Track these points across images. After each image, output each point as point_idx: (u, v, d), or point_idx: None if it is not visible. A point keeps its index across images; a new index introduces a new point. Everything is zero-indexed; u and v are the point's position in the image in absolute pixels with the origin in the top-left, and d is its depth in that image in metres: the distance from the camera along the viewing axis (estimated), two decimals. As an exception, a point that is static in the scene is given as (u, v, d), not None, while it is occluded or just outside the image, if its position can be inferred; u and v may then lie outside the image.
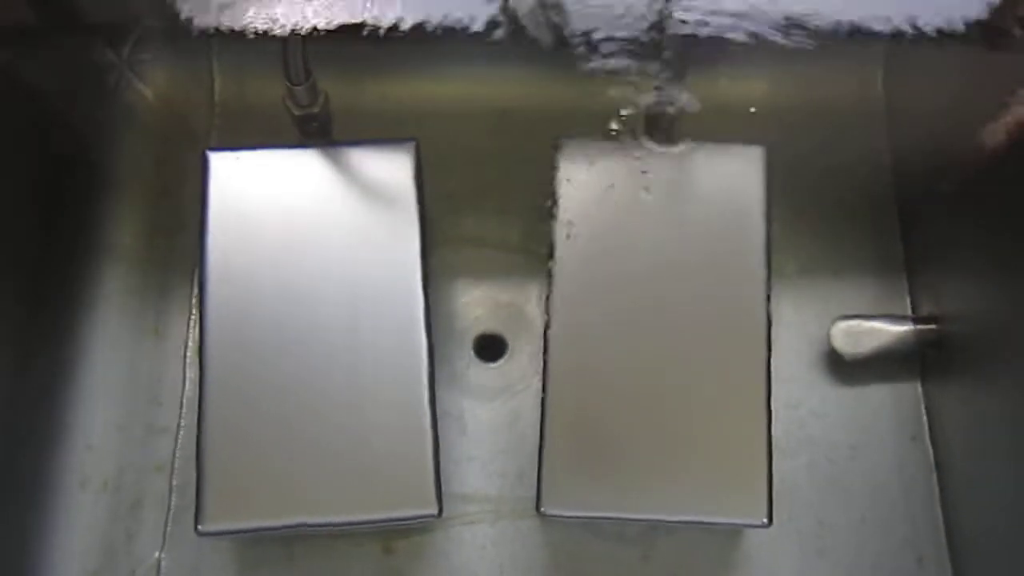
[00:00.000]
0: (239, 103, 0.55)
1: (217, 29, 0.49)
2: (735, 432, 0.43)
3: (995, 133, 0.45)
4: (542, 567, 0.48)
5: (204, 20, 0.50)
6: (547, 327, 0.44)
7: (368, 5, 0.47)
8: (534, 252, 0.53)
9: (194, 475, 0.42)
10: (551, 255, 0.45)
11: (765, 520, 0.43)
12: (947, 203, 0.50)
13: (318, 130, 0.47)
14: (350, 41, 0.48)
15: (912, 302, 0.52)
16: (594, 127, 0.47)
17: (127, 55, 0.54)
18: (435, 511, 0.41)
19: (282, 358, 0.42)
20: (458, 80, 0.56)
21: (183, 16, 0.49)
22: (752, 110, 0.56)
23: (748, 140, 0.47)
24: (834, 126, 0.56)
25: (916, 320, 0.50)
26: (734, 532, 0.49)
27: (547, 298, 0.45)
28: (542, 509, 0.43)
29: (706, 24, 0.47)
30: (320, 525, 0.41)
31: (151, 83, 0.55)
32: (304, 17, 0.47)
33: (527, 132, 0.55)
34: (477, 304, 0.52)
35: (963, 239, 0.49)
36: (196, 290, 0.52)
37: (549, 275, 0.45)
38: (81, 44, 0.54)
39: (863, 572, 0.48)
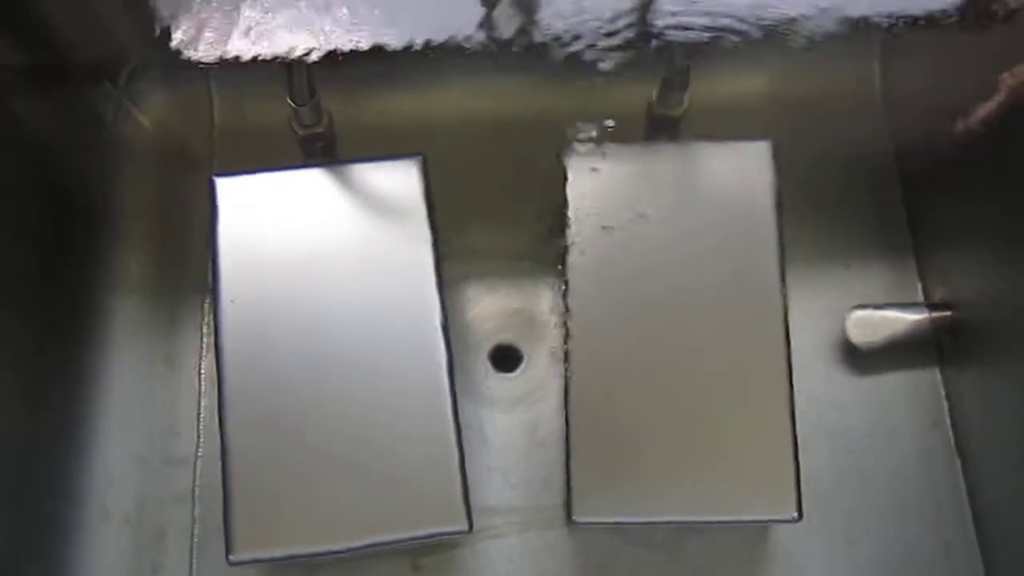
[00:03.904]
0: (239, 126, 0.55)
1: (206, 62, 0.49)
2: (760, 428, 0.43)
3: (989, 107, 0.46)
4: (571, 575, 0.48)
5: (194, 54, 0.50)
6: (566, 335, 0.44)
7: (353, 31, 0.47)
8: (543, 259, 0.53)
9: (217, 504, 0.41)
10: (564, 263, 0.45)
11: (795, 514, 0.43)
12: (953, 187, 0.50)
13: (323, 150, 0.47)
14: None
15: (924, 288, 0.52)
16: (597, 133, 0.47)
17: (123, 85, 0.54)
18: (465, 527, 0.41)
19: (301, 381, 0.42)
20: (456, 92, 0.56)
21: (173, 47, 0.49)
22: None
23: (748, 135, 0.47)
24: (833, 118, 0.56)
25: (930, 307, 0.50)
26: (762, 529, 0.49)
27: (564, 305, 0.45)
28: (574, 518, 0.42)
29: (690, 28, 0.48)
30: (351, 549, 0.40)
31: (148, 112, 0.55)
32: (291, 48, 0.48)
33: (528, 140, 0.55)
34: (490, 315, 0.52)
35: (972, 222, 0.49)
36: (207, 318, 0.52)
37: (564, 283, 0.45)
38: (74, 79, 0.53)
39: (892, 560, 0.48)
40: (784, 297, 0.44)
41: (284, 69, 0.42)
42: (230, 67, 0.49)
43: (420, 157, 0.46)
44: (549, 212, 0.53)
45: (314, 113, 0.44)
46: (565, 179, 0.46)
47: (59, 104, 0.52)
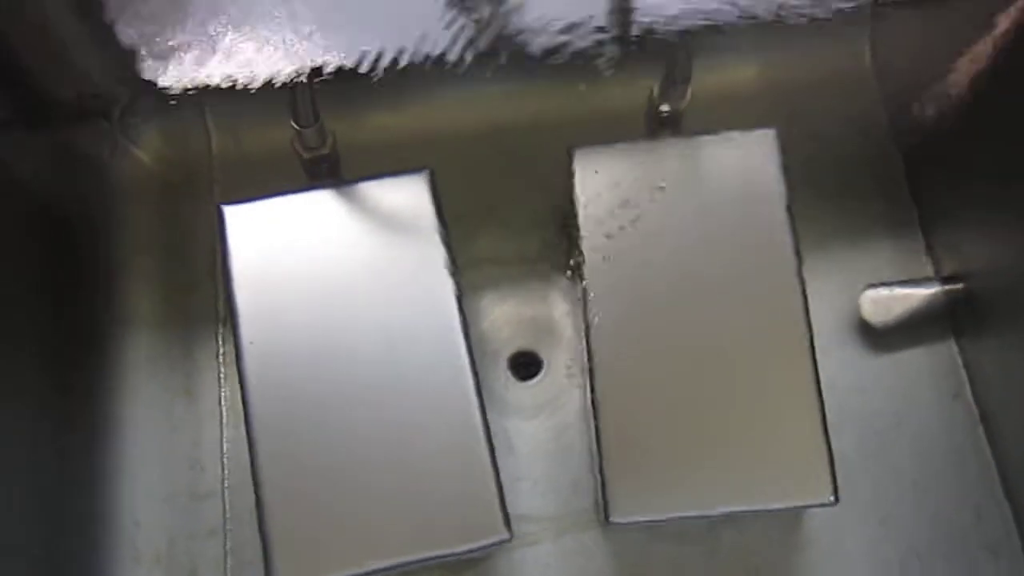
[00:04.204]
0: (237, 154, 0.55)
1: (180, 89, 0.49)
2: (789, 414, 0.43)
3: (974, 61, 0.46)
4: (610, 576, 0.48)
5: (166, 80, 0.49)
6: (587, 336, 0.44)
7: (321, 50, 0.47)
8: (554, 263, 0.53)
9: (248, 536, 0.41)
10: (578, 265, 0.45)
11: (832, 498, 0.43)
12: (955, 158, 0.51)
13: (328, 171, 0.47)
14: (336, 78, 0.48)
15: (934, 262, 0.53)
16: (596, 134, 0.47)
17: (117, 122, 0.54)
18: (507, 536, 0.41)
19: (328, 405, 0.42)
20: (452, 102, 0.56)
21: (145, 76, 0.49)
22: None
23: (746, 124, 0.47)
24: (828, 100, 0.56)
25: (943, 280, 0.51)
26: (794, 514, 0.49)
27: (583, 307, 0.45)
28: (611, 519, 0.42)
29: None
30: (392, 567, 0.40)
31: (145, 147, 0.55)
32: (272, 72, 0.48)
33: (527, 145, 0.55)
34: (506, 323, 0.52)
35: (976, 192, 0.49)
36: (222, 347, 0.51)
37: (581, 285, 0.45)
38: (65, 121, 0.53)
39: (925, 533, 0.48)
40: (802, 283, 0.44)
41: (287, 92, 0.42)
42: (210, 94, 0.49)
43: (427, 171, 0.46)
44: (555, 215, 0.54)
45: (318, 135, 0.44)
46: (572, 181, 0.46)
47: (53, 148, 0.52)
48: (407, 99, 0.55)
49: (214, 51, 0.48)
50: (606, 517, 0.42)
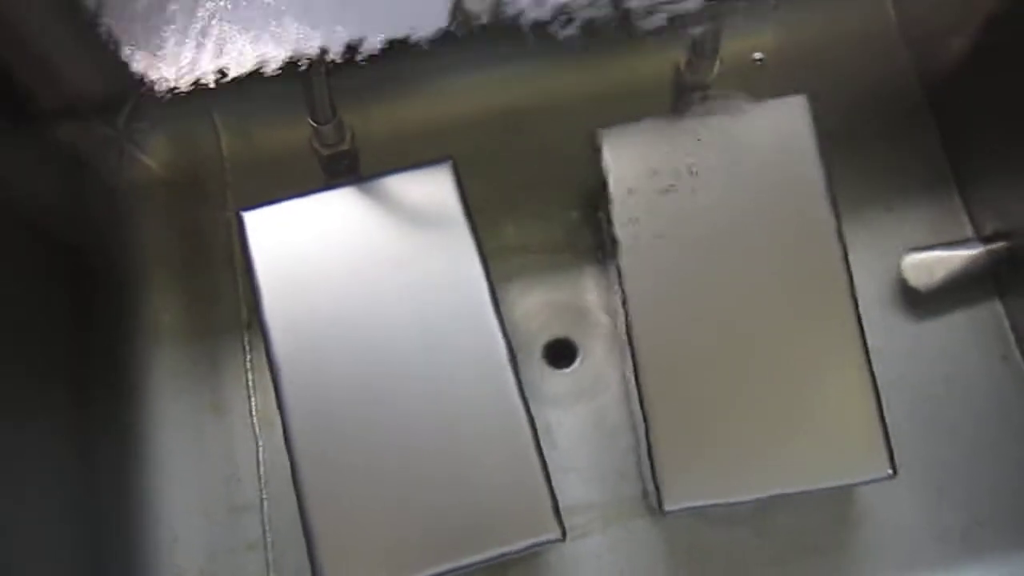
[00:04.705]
0: (249, 156, 0.53)
1: (173, 88, 0.47)
2: (840, 387, 0.42)
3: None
4: (662, 563, 0.47)
5: (160, 81, 0.48)
6: (626, 320, 0.43)
7: (306, 34, 0.45)
8: (581, 248, 0.51)
9: (291, 547, 0.40)
10: (612, 246, 0.44)
11: (889, 472, 0.42)
12: (988, 111, 0.49)
13: (347, 168, 0.45)
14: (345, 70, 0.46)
15: (972, 221, 0.51)
16: (617, 112, 0.45)
17: (123, 128, 0.52)
18: (559, 534, 0.39)
19: (367, 408, 0.41)
20: (463, 88, 0.54)
21: (137, 77, 0.47)
22: (757, 56, 0.55)
23: (772, 91, 0.46)
24: (853, 61, 0.54)
25: (984, 240, 0.49)
26: (847, 490, 0.48)
27: (619, 290, 0.43)
28: (664, 508, 0.41)
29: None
30: (443, 573, 0.39)
31: (153, 153, 0.53)
32: (262, 61, 0.46)
33: (545, 128, 0.53)
34: (538, 311, 0.50)
35: (1013, 145, 0.48)
36: (248, 355, 0.50)
37: (615, 268, 0.43)
38: (67, 134, 0.51)
39: (985, 500, 0.47)
40: (844, 251, 0.43)
41: (301, 88, 0.40)
42: (216, 93, 0.47)
43: (450, 161, 0.44)
44: (580, 198, 0.52)
45: (337, 131, 0.43)
46: (600, 161, 0.45)
47: (57, 163, 0.51)
48: (416, 88, 0.54)
49: (207, 45, 0.47)
50: (659, 506, 0.41)
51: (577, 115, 0.52)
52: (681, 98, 0.47)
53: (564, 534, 0.39)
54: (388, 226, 0.43)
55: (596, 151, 0.45)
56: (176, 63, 0.47)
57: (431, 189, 0.44)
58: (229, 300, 0.50)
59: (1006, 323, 0.50)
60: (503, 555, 0.39)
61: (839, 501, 0.48)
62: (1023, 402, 0.49)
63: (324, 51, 0.45)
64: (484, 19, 0.49)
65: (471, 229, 0.43)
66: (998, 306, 0.50)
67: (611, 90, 0.52)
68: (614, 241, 0.44)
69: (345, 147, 0.43)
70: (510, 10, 0.49)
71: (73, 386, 0.46)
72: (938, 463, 0.48)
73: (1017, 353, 0.49)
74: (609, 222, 0.44)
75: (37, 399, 0.44)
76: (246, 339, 0.50)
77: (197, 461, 0.48)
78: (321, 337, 0.41)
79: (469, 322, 0.42)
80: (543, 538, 0.39)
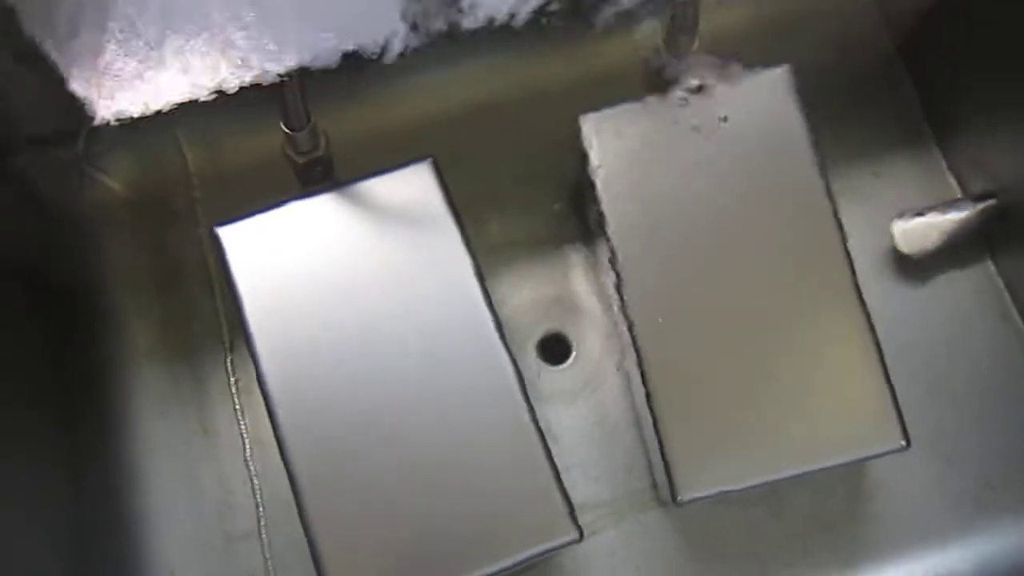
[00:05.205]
0: (216, 169, 0.51)
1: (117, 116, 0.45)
2: (845, 360, 0.41)
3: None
4: (679, 553, 0.46)
5: (105, 109, 0.45)
6: (623, 308, 0.42)
7: (245, 62, 0.43)
8: (567, 239, 0.50)
9: (294, 573, 0.38)
10: (601, 232, 0.43)
11: (903, 443, 0.41)
12: (964, 69, 0.49)
13: (322, 174, 0.44)
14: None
15: (959, 182, 0.51)
16: (594, 97, 0.44)
17: (82, 152, 0.50)
18: (576, 535, 0.38)
19: (366, 422, 0.39)
20: (435, 86, 0.52)
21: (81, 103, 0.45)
22: None
23: (747, 62, 0.45)
24: (823, 24, 0.53)
25: (973, 199, 0.49)
26: (860, 467, 0.47)
27: (613, 278, 0.42)
28: (679, 498, 0.40)
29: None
30: (462, 586, 0.38)
31: (116, 175, 0.51)
32: (216, 81, 0.44)
33: (521, 119, 0.52)
34: (528, 307, 0.49)
35: (992, 102, 0.47)
36: (233, 376, 0.48)
37: (608, 255, 0.42)
38: (24, 165, 0.49)
39: (996, 464, 0.47)
40: (838, 221, 0.42)
41: (275, 95, 0.38)
42: (178, 109, 0.45)
43: (430, 159, 0.43)
44: (561, 189, 0.51)
45: (311, 137, 0.41)
46: (583, 148, 0.43)
47: (16, 191, 0.48)
48: (387, 89, 0.52)
49: (158, 66, 0.44)
50: (673, 498, 0.40)
51: (554, 105, 0.50)
52: (656, 78, 0.46)
53: (581, 534, 0.38)
54: (371, 231, 0.41)
55: (578, 137, 0.44)
56: (129, 90, 0.45)
57: (413, 190, 0.42)
58: (208, 319, 0.49)
59: (1000, 282, 0.49)
60: (521, 562, 0.38)
61: (851, 475, 0.47)
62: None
63: (282, 73, 0.43)
64: (439, 25, 0.48)
65: (458, 227, 0.42)
66: (991, 266, 0.50)
67: (588, 76, 0.51)
68: (604, 225, 0.42)
69: (320, 153, 0.42)
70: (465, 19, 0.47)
71: (58, 418, 0.44)
72: (945, 429, 0.47)
73: (1015, 312, 0.49)
74: (597, 208, 0.43)
75: (22, 433, 0.42)
76: (228, 358, 0.48)
77: (189, 487, 0.46)
78: (313, 352, 0.40)
79: (464, 322, 0.40)
80: (560, 541, 0.38)
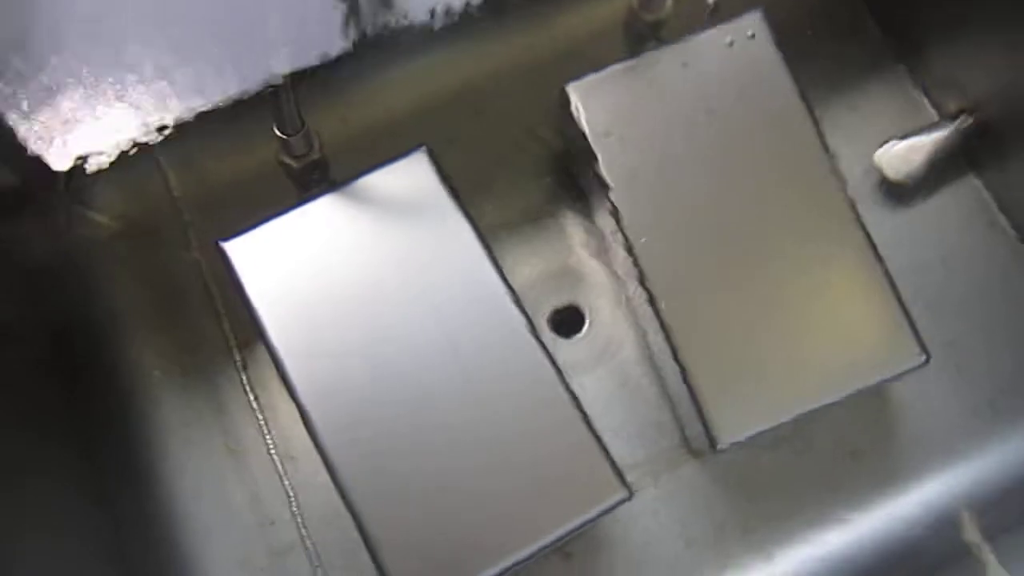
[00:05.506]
0: (202, 190, 0.50)
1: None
2: (855, 286, 0.42)
3: None
4: (718, 500, 0.47)
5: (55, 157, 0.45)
6: (637, 268, 0.42)
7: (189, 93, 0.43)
8: (562, 212, 0.51)
9: None
10: (604, 194, 0.43)
11: (923, 358, 0.42)
12: None
13: (319, 177, 0.43)
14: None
15: (934, 105, 0.52)
16: (573, 66, 0.44)
17: (64, 190, 0.49)
18: (626, 493, 0.39)
19: (402, 415, 0.39)
20: (413, 77, 0.52)
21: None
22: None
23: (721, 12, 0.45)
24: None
25: (951, 118, 0.50)
26: (877, 390, 0.48)
27: (621, 236, 0.43)
28: (719, 445, 0.41)
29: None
30: (528, 558, 0.38)
31: (102, 207, 0.50)
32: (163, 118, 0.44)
33: (502, 100, 0.52)
34: (535, 282, 0.49)
35: (955, 17, 0.48)
36: (252, 395, 0.48)
37: (614, 213, 0.43)
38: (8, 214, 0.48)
39: (1003, 370, 0.48)
40: (829, 153, 0.43)
41: (270, 100, 0.38)
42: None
43: (423, 147, 0.43)
44: (550, 162, 0.51)
45: (306, 141, 0.41)
46: (574, 117, 0.44)
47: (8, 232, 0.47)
48: (363, 86, 0.52)
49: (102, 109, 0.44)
50: (712, 445, 0.41)
51: (533, 80, 0.51)
52: (635, 38, 0.46)
53: (631, 493, 0.39)
54: (377, 226, 0.41)
55: (566, 107, 0.44)
56: (77, 136, 0.44)
57: (411, 180, 0.42)
58: (216, 340, 0.48)
59: (986, 195, 0.51)
60: (575, 528, 0.38)
61: (871, 404, 0.48)
62: (1019, 267, 0.50)
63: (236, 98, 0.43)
64: (375, 29, 0.48)
65: (461, 210, 0.42)
66: (974, 180, 0.51)
67: (564, 47, 0.51)
68: (605, 188, 0.43)
69: (315, 156, 0.42)
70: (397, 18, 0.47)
71: (83, 455, 0.43)
72: (953, 343, 0.48)
73: (1003, 220, 0.50)
74: (595, 171, 0.43)
75: (52, 478, 0.41)
76: (243, 377, 0.48)
77: (225, 510, 0.46)
78: (337, 353, 0.40)
79: (482, 303, 0.40)
80: (612, 501, 0.39)
